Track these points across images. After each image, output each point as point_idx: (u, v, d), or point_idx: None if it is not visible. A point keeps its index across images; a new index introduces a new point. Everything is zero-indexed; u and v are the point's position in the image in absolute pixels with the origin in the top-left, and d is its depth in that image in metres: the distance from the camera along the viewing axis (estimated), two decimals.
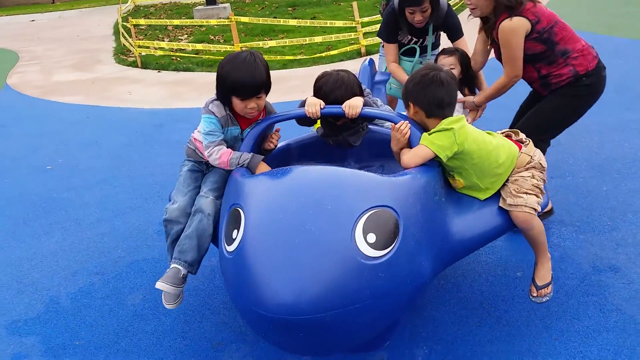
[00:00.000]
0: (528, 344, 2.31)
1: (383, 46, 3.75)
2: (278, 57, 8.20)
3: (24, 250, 3.45)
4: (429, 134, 2.22)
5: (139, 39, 10.51)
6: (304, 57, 8.28)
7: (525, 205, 2.23)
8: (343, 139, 2.73)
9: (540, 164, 2.35)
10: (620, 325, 2.35)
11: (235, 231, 1.97)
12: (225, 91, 2.31)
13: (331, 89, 2.47)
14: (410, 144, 2.27)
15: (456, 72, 3.04)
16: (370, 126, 2.79)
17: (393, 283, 1.84)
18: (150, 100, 6.89)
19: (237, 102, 2.31)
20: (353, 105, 2.36)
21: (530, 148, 2.37)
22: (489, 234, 2.27)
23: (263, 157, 2.37)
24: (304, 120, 2.62)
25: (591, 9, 9.67)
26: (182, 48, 9.07)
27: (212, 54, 8.76)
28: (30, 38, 13.13)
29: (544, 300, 2.33)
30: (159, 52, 9.07)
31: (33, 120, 6.41)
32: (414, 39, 3.59)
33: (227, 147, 2.42)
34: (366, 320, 1.83)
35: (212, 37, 10.40)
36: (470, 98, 3.11)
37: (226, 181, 2.40)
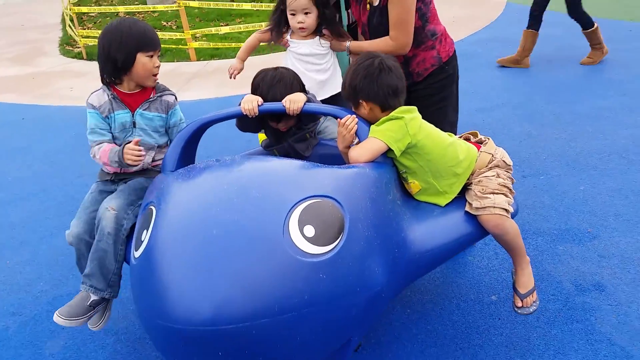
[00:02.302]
0: None
1: None
2: (233, 44, 7.70)
3: None
4: (378, 125, 2.00)
5: (87, 28, 9.84)
6: (262, 44, 7.79)
7: (494, 207, 1.95)
8: (289, 147, 2.37)
9: (503, 161, 2.10)
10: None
11: (145, 232, 1.64)
12: (132, 49, 2.12)
13: (269, 85, 2.22)
14: (358, 141, 1.99)
15: (311, 17, 2.49)
16: (322, 140, 2.44)
17: (338, 288, 1.53)
18: None
19: (144, 61, 2.15)
20: (294, 100, 2.11)
21: (490, 146, 2.12)
22: (455, 244, 1.97)
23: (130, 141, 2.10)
24: (245, 123, 2.31)
25: None
26: None
27: (164, 42, 8.19)
28: None
29: (531, 310, 2.05)
30: None
31: None
32: None
33: (120, 143, 2.18)
34: (304, 334, 1.48)
35: (165, 24, 9.80)
36: (345, 42, 2.60)
37: (139, 186, 2.18)
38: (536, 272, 2.53)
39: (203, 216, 1.53)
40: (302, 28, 2.55)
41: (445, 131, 2.61)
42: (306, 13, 2.49)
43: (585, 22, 5.26)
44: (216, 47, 7.68)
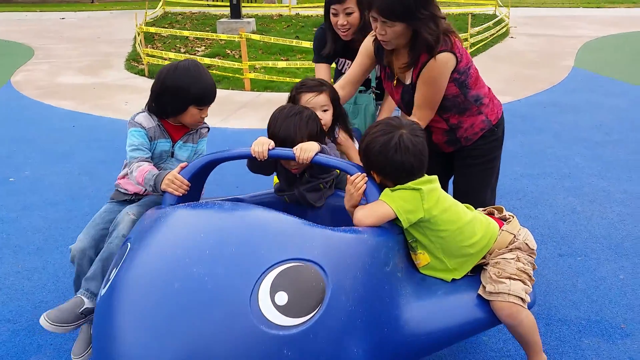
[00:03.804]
0: None
1: None
2: (288, 78, 7.79)
3: None
4: (392, 190, 1.86)
5: (157, 47, 10.26)
6: None
7: (509, 294, 1.78)
8: (300, 195, 2.26)
9: (526, 244, 1.93)
10: None
11: (114, 270, 1.54)
12: (186, 102, 2.20)
13: (285, 117, 2.12)
14: (365, 202, 1.87)
15: (329, 114, 2.33)
16: (339, 192, 2.33)
17: None
18: None
19: (194, 112, 2.24)
20: (305, 149, 1.97)
21: (514, 225, 1.96)
22: (459, 329, 1.77)
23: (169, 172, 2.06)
24: (255, 165, 2.19)
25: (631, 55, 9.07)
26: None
27: (224, 69, 8.39)
28: (53, 36, 13.03)
29: None
30: (168, 62, 8.75)
31: (19, 123, 6.09)
32: (349, 63, 2.88)
33: (157, 165, 2.23)
34: None
35: (229, 52, 10.08)
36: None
37: (160, 201, 2.10)
38: None
39: (170, 266, 1.43)
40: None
41: (486, 196, 2.50)
42: (324, 110, 2.33)
43: None
44: (271, 79, 7.79)
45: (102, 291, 1.57)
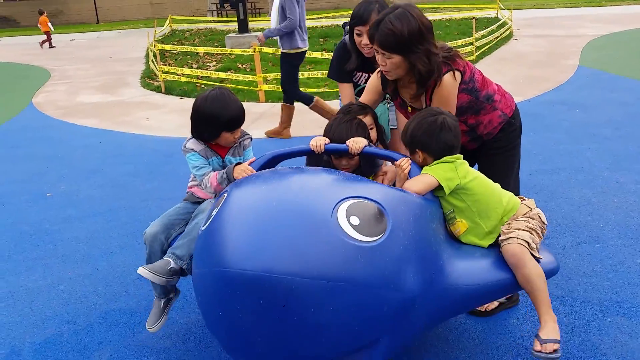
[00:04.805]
0: None
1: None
2: (301, 89, 8.00)
3: (1, 288, 3.23)
4: (430, 166, 2.20)
5: (168, 64, 10.53)
6: (327, 90, 8.08)
7: (517, 238, 2.03)
8: None
9: (539, 216, 2.19)
10: None
11: (215, 209, 1.85)
12: (218, 128, 2.39)
13: (338, 123, 2.50)
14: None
15: (374, 132, 2.68)
16: None
17: (373, 277, 1.68)
18: (166, 127, 6.75)
19: (227, 136, 2.43)
20: (356, 141, 2.36)
21: (531, 203, 2.26)
22: (489, 287, 2.04)
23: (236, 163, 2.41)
24: (313, 162, 2.59)
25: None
26: (207, 75, 9.00)
27: (237, 82, 8.64)
28: (66, 57, 13.39)
29: (550, 356, 1.92)
30: (183, 79, 9.01)
31: (46, 142, 6.34)
32: (365, 76, 3.16)
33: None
34: (336, 307, 1.62)
35: (240, 66, 10.34)
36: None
37: None
38: (580, 342, 2.46)
39: (266, 194, 1.80)
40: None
41: (510, 182, 2.70)
42: (371, 129, 2.65)
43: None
44: None
45: (203, 227, 1.86)
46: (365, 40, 2.89)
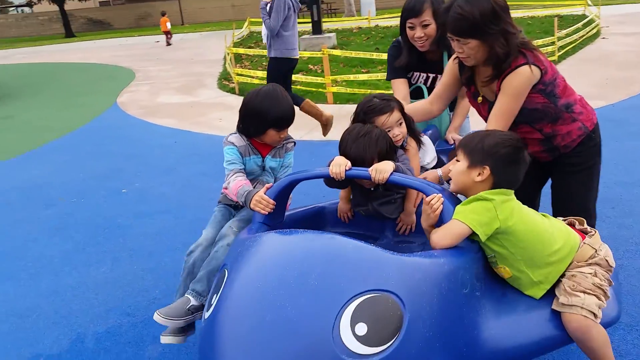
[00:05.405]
0: None
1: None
2: (368, 90, 7.98)
3: (74, 277, 3.47)
4: (464, 204, 1.88)
5: (244, 66, 10.84)
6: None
7: (582, 307, 1.79)
8: (374, 210, 2.37)
9: (606, 261, 1.91)
10: None
11: (215, 296, 1.76)
12: (265, 125, 2.37)
13: (354, 138, 2.17)
14: (441, 221, 1.90)
15: (404, 126, 2.39)
16: None
17: None
18: None
19: (273, 134, 2.39)
20: (380, 170, 2.02)
21: (596, 240, 1.95)
22: (538, 346, 1.80)
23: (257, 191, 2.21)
24: (332, 182, 2.25)
25: None
26: None
27: (307, 84, 8.74)
28: (150, 58, 14.14)
29: None
30: (256, 81, 9.23)
31: (126, 140, 6.72)
32: (424, 76, 3.00)
33: (254, 177, 2.51)
34: None
35: (311, 67, 10.45)
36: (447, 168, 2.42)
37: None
38: None
39: (260, 297, 1.60)
40: (397, 140, 2.45)
41: (589, 205, 2.48)
42: (400, 124, 2.40)
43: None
44: (353, 92, 8.02)
45: (206, 315, 1.79)
46: (419, 32, 2.80)
